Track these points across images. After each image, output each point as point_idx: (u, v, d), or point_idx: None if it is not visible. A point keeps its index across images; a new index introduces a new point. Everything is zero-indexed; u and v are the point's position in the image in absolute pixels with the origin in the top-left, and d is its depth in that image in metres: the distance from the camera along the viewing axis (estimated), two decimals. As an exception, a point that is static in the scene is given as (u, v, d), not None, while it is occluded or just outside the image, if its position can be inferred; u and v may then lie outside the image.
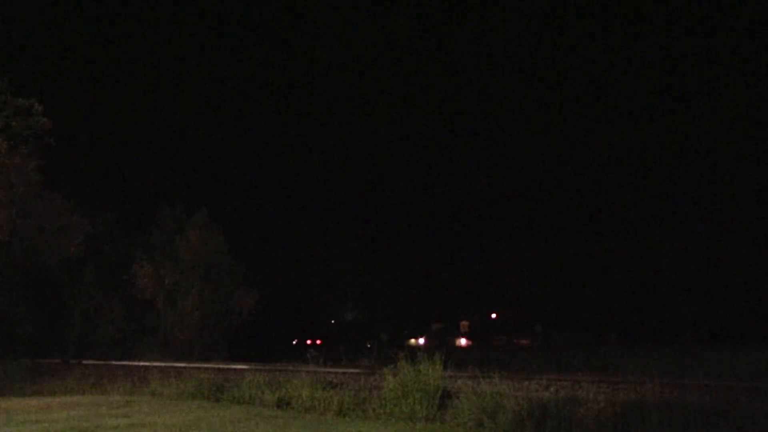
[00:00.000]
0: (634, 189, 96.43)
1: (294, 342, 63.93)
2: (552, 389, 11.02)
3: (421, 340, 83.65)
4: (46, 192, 27.14)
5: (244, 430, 10.70)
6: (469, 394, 11.26)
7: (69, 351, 32.14)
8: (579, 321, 77.78)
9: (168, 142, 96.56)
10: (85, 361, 26.72)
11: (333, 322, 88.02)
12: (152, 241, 34.58)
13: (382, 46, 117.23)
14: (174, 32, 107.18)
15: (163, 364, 22.49)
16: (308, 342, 63.60)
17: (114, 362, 25.36)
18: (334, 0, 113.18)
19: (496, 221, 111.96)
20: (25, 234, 26.91)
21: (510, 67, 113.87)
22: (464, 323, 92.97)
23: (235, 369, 18.13)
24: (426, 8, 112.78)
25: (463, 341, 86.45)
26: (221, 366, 19.49)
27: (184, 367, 20.06)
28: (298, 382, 14.28)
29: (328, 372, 15.03)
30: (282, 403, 13.95)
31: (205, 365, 20.62)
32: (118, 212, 38.00)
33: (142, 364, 23.23)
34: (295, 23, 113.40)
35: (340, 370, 15.14)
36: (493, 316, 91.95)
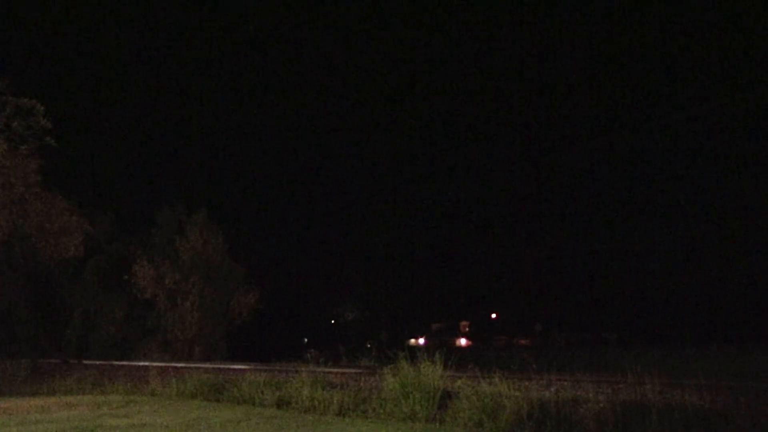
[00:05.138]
0: (634, 188, 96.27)
1: (305, 340, 64.42)
2: (552, 389, 11.01)
3: (421, 340, 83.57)
4: (46, 192, 27.08)
5: (244, 430, 10.71)
6: (469, 394, 11.26)
7: (69, 351, 32.17)
8: (579, 321, 77.70)
9: (168, 142, 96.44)
10: (85, 361, 26.74)
11: (333, 322, 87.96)
12: (152, 241, 34.57)
13: (382, 44, 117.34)
14: (174, 32, 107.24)
15: (163, 364, 22.49)
16: (305, 340, 63.90)
17: (114, 362, 25.37)
18: (333, 3, 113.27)
19: (496, 221, 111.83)
20: (25, 234, 26.85)
21: (509, 66, 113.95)
22: (464, 323, 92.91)
23: (235, 369, 18.13)
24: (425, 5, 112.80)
25: (463, 341, 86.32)
26: (221, 366, 19.49)
27: (184, 367, 20.05)
28: (298, 382, 14.27)
29: (328, 372, 15.03)
30: (282, 403, 13.95)
31: (205, 365, 20.62)
32: (118, 212, 38.06)
33: (142, 364, 23.23)
34: (296, 24, 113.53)
35: (340, 370, 15.13)
36: (493, 316, 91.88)
